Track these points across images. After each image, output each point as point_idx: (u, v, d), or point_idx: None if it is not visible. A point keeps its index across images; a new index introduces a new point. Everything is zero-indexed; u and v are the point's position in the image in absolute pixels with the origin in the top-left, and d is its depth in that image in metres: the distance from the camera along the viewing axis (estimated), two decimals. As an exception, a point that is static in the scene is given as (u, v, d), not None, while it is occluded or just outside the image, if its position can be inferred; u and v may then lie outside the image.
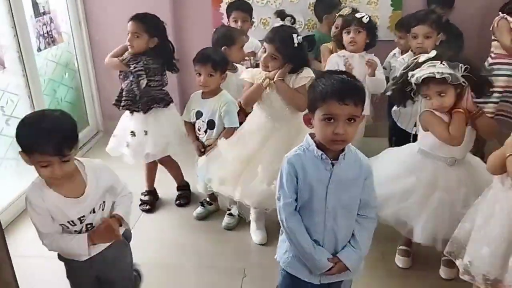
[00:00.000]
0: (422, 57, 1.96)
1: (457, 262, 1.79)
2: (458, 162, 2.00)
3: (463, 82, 1.85)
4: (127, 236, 1.74)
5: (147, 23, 2.48)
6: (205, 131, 2.44)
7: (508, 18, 2.81)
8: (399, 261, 2.26)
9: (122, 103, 2.56)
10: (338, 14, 2.93)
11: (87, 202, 1.52)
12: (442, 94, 1.89)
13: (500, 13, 2.86)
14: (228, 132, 2.37)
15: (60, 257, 1.65)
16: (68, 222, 1.51)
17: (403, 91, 2.03)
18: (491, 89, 2.23)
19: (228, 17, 3.10)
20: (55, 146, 1.37)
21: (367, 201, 1.49)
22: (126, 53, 2.54)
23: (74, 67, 3.59)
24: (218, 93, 2.42)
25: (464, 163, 2.03)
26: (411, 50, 2.66)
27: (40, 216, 1.48)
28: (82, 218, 1.52)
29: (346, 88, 1.36)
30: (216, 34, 2.71)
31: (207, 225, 2.64)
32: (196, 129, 2.48)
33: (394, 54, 3.00)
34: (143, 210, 2.73)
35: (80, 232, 1.54)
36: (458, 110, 1.91)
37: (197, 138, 2.49)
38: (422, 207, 1.98)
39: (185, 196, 2.83)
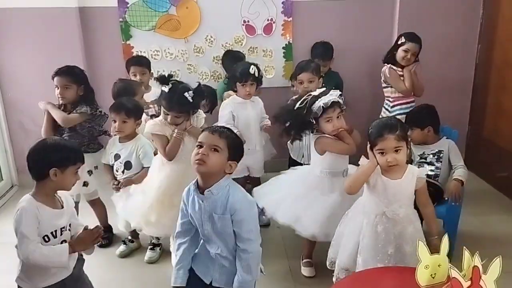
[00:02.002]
0: (315, 92, 2.39)
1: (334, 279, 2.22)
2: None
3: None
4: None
5: (74, 74, 2.71)
6: (123, 172, 2.66)
7: (393, 67, 3.33)
8: (305, 271, 2.62)
9: None
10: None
11: (64, 215, 1.80)
12: (339, 116, 2.37)
13: (386, 64, 3.36)
14: (146, 171, 2.62)
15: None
16: (52, 233, 1.75)
17: (302, 123, 2.39)
18: None
19: (128, 72, 3.38)
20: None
21: (238, 233, 1.74)
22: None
23: (-14, 123, 3.63)
24: (135, 137, 2.68)
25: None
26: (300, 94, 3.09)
27: (31, 224, 1.68)
28: (63, 229, 1.79)
29: (214, 127, 1.81)
30: (115, 87, 2.96)
31: (131, 261, 2.81)
32: (115, 170, 2.69)
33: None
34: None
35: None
36: (343, 129, 2.39)
37: (115, 178, 2.69)
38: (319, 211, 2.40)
39: (106, 237, 2.93)
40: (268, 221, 3.08)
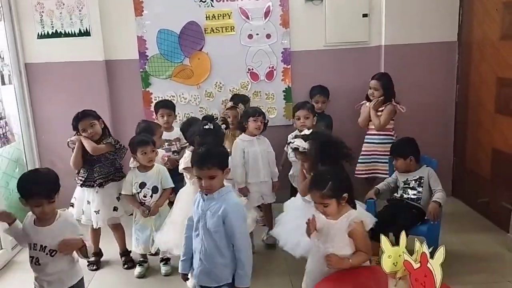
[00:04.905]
0: (305, 131, 2.84)
1: None
2: None
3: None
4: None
5: (91, 113, 3.22)
6: (151, 196, 3.08)
7: (367, 103, 3.81)
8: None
9: (97, 181, 3.16)
10: (227, 108, 3.84)
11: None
12: (304, 162, 2.75)
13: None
14: (168, 192, 3.08)
15: None
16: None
17: None
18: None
19: (156, 113, 3.87)
20: (47, 191, 2.06)
21: (231, 233, 2.09)
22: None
23: (23, 162, 4.09)
24: (153, 165, 3.14)
25: None
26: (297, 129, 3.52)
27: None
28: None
29: (204, 155, 2.11)
30: (138, 127, 3.45)
31: (148, 281, 3.17)
32: (142, 196, 3.08)
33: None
34: (91, 270, 3.23)
35: (34, 259, 2.13)
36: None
37: (142, 204, 3.09)
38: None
39: (130, 260, 3.33)
40: (274, 241, 3.33)
